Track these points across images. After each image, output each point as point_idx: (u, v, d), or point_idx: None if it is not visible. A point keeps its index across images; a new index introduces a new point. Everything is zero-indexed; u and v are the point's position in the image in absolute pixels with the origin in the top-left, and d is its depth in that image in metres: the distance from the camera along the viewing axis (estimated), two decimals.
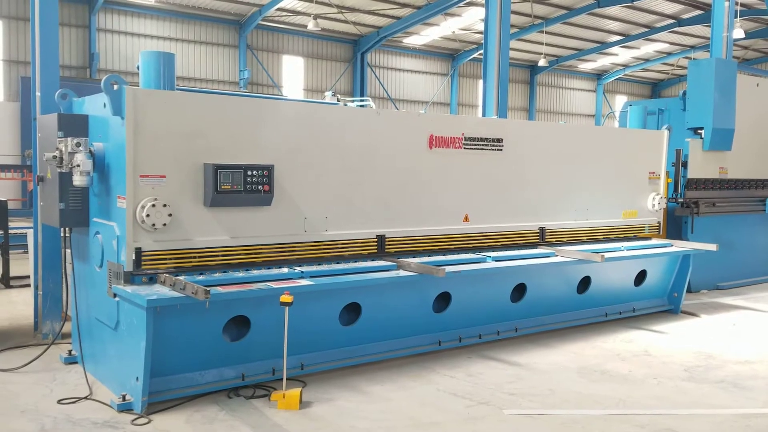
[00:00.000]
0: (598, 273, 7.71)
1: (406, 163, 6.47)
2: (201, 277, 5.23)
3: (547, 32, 28.10)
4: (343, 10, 24.86)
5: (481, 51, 10.30)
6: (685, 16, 27.86)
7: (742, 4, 23.45)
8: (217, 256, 5.44)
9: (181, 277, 5.02)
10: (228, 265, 5.50)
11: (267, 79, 26.17)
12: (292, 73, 26.99)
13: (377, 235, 6.31)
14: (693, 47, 31.73)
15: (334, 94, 9.93)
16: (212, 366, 5.29)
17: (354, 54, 28.26)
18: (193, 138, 5.21)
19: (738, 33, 23.67)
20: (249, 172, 5.36)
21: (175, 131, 5.12)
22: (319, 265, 5.93)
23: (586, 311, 7.76)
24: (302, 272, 5.57)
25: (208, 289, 4.59)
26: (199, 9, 23.82)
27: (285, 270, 5.60)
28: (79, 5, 22.00)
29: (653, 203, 8.56)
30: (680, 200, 9.87)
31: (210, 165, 5.22)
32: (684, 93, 10.45)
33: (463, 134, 6.80)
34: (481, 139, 6.94)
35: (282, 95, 24.41)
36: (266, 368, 5.47)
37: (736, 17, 22.13)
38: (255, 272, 5.47)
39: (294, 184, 5.74)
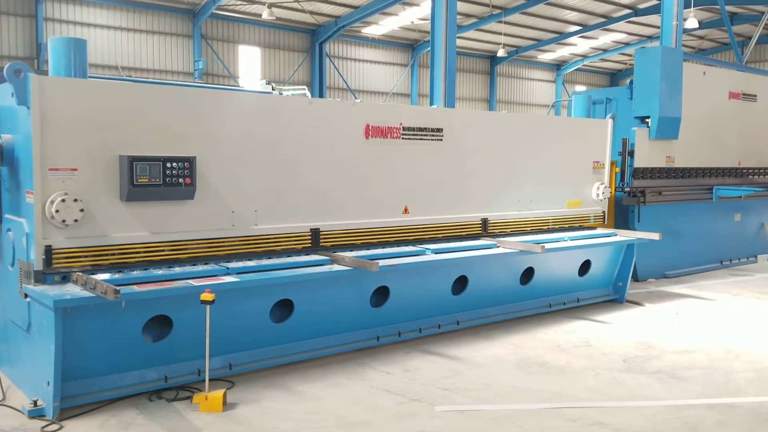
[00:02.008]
0: (542, 264, 7.63)
1: (342, 154, 6.28)
2: (118, 276, 4.99)
3: (505, 22, 28.13)
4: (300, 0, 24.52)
5: None
6: (641, 6, 28.15)
7: None
8: (138, 253, 5.20)
9: (98, 276, 4.78)
10: (150, 263, 5.27)
11: (223, 69, 25.71)
12: (249, 63, 26.56)
13: (311, 229, 6.12)
14: (650, 37, 32.06)
15: (268, 83, 9.72)
16: (133, 368, 5.05)
17: (312, 44, 27.95)
18: (107, 129, 4.95)
19: (692, 23, 23.96)
20: (168, 165, 5.12)
21: (88, 122, 4.85)
22: (249, 260, 5.72)
23: (530, 302, 7.68)
24: (228, 269, 5.35)
25: (117, 288, 4.35)
26: None
27: (209, 267, 5.38)
28: None
29: (597, 193, 8.51)
30: (627, 189, 9.84)
31: (125, 157, 4.97)
32: (631, 82, 10.43)
33: (401, 124, 6.63)
34: (420, 129, 6.78)
35: (238, 86, 24.00)
36: (191, 369, 5.25)
37: (690, 7, 22.38)
38: (177, 269, 5.23)
39: (220, 176, 5.51)
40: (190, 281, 5.00)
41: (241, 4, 24.75)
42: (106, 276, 4.87)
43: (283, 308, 5.80)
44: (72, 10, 22.34)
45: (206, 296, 4.75)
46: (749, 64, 25.67)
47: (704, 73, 11.27)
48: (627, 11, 28.67)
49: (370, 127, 6.42)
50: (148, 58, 24.08)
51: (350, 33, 28.53)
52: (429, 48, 9.73)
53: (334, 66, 28.87)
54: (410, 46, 30.80)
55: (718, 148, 11.38)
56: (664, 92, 9.98)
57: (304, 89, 10.37)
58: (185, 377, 5.22)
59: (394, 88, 30.72)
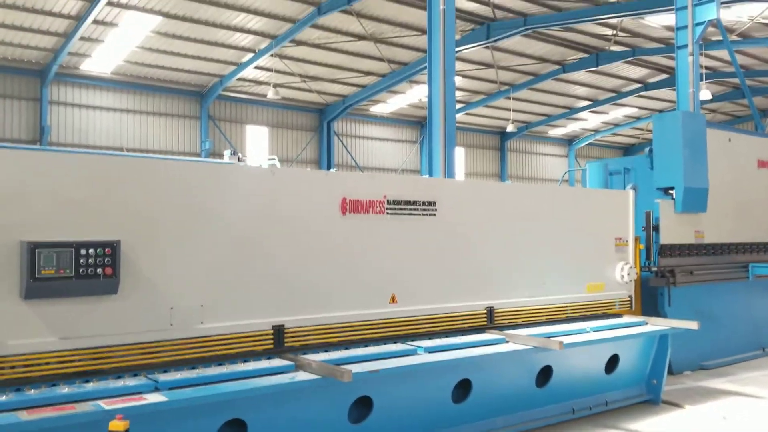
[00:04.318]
0: (561, 361, 6.31)
1: (313, 233, 5.15)
2: (11, 396, 3.79)
3: (514, 98, 27.52)
4: (307, 80, 24.09)
5: None
6: (651, 80, 27.47)
7: (707, 67, 23.03)
8: (45, 364, 4.02)
9: None
10: (63, 377, 4.08)
11: (229, 149, 25.07)
12: (257, 142, 25.97)
13: (274, 326, 4.92)
14: (661, 111, 31.27)
15: (234, 153, 8.76)
16: None
17: (320, 123, 27.41)
18: (3, 207, 3.87)
19: (705, 94, 23.11)
20: (82, 251, 4.00)
21: None
22: (192, 369, 4.51)
23: (549, 408, 6.31)
24: (157, 382, 4.13)
25: None
26: (158, 80, 22.90)
27: (135, 380, 4.17)
28: (31, 78, 20.96)
29: (622, 274, 7.27)
30: (654, 269, 8.57)
31: (25, 243, 3.86)
32: (650, 150, 9.33)
33: (385, 197, 5.52)
34: (409, 203, 5.66)
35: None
36: None
37: (701, 80, 21.65)
38: (91, 386, 4.03)
39: (154, 263, 4.37)
40: (100, 402, 3.79)
41: (248, 86, 24.35)
42: None
43: (236, 428, 4.53)
44: (78, 93, 21.96)
45: (116, 425, 3.52)
46: None
47: (729, 140, 10.14)
48: (637, 86, 27.98)
49: (348, 201, 5.31)
50: (154, 140, 23.53)
51: (358, 111, 28.02)
52: None
53: (342, 144, 28.24)
54: (418, 123, 30.19)
55: (750, 220, 10.14)
56: (688, 161, 8.85)
57: (274, 159, 9.39)
58: None
59: (403, 164, 29.95)
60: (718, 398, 7.50)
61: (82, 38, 18.61)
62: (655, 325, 7.06)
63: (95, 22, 17.66)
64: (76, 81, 21.74)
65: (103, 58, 20.48)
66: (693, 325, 6.87)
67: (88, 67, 21.14)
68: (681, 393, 7.68)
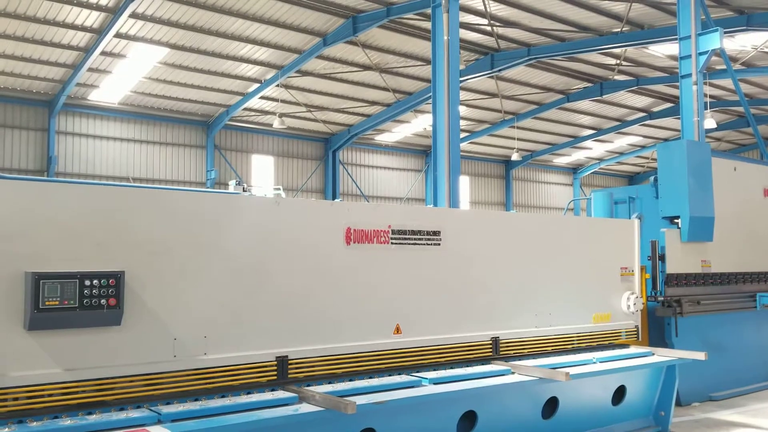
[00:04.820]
0: (567, 392, 6.25)
1: (317, 264, 5.15)
2: (13, 429, 3.78)
3: (519, 127, 27.68)
4: (312, 109, 24.31)
5: None
6: (655, 109, 27.61)
7: (711, 96, 23.13)
8: (48, 396, 4.00)
9: None
10: (65, 408, 4.06)
11: (235, 178, 25.21)
12: (262, 172, 26.12)
13: (278, 357, 4.90)
14: (666, 139, 31.38)
15: (239, 183, 8.78)
16: None
17: (325, 152, 27.59)
18: (8, 238, 3.90)
19: (710, 123, 23.23)
20: (87, 282, 4.01)
21: None
22: (196, 401, 4.48)
23: None
24: (160, 414, 4.11)
25: None
26: (164, 111, 23.15)
27: (139, 412, 4.15)
28: (39, 108, 21.23)
29: (628, 304, 7.23)
30: (660, 298, 8.52)
31: (30, 274, 3.88)
32: (655, 179, 9.34)
33: (389, 227, 5.53)
34: (413, 232, 5.67)
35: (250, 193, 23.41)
36: None
37: (706, 108, 21.76)
38: (94, 418, 4.01)
39: (157, 294, 4.38)
40: None
41: (254, 115, 24.59)
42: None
43: None
44: (85, 123, 22.21)
45: None
46: None
47: (735, 169, 10.15)
48: (641, 114, 28.13)
49: (352, 231, 5.32)
50: (160, 169, 23.72)
51: (363, 140, 28.20)
52: None
53: (348, 173, 28.38)
54: (423, 152, 30.35)
55: (756, 249, 10.09)
56: (694, 189, 8.85)
57: (279, 189, 9.43)
58: None
59: (408, 193, 30.04)
60: (727, 430, 7.40)
61: (90, 69, 18.87)
62: (663, 355, 6.99)
63: (103, 53, 17.93)
64: (84, 111, 22.01)
65: (110, 89, 20.76)
66: (701, 355, 6.80)
67: (95, 97, 21.42)
68: (689, 425, 7.58)
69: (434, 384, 5.35)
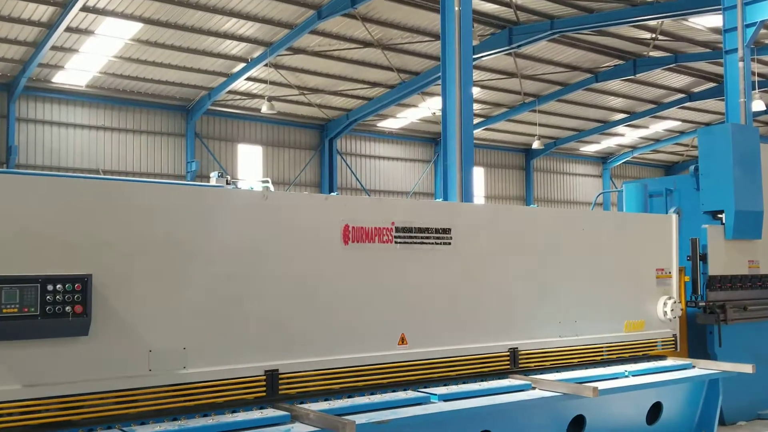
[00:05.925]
0: (595, 410, 6.29)
1: (311, 266, 5.18)
2: None
3: (540, 111, 27.72)
4: (306, 92, 24.37)
5: None
6: (696, 90, 27.62)
7: (759, 74, 23.12)
8: (7, 416, 4.02)
9: None
10: (27, 429, 4.09)
11: (218, 170, 25.30)
12: (249, 163, 26.22)
13: (267, 371, 4.92)
14: (708, 124, 31.38)
15: (222, 175, 8.84)
16: None
17: (321, 140, 27.69)
18: None
19: (758, 105, 23.18)
20: (49, 287, 4.04)
21: None
22: (174, 420, 4.51)
23: None
24: None
25: None
26: (138, 94, 23.24)
27: None
28: None
29: (665, 310, 7.27)
30: (701, 304, 8.57)
31: None
32: (696, 169, 9.38)
33: (393, 224, 5.55)
34: (420, 230, 5.69)
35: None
36: None
37: (753, 88, 21.77)
38: None
39: (130, 301, 4.40)
40: None
41: (240, 99, 24.67)
42: None
43: None
44: (49, 109, 22.30)
45: None
46: None
47: None
48: (680, 95, 28.15)
49: (351, 229, 5.34)
50: (134, 160, 23.83)
51: (364, 127, 28.28)
52: None
53: (347, 164, 28.46)
54: (432, 140, 30.42)
55: None
56: (740, 180, 8.88)
57: (267, 182, 9.49)
58: None
59: (415, 186, 30.12)
60: None
61: (53, 48, 18.94)
62: (704, 368, 7.04)
63: (68, 29, 18.00)
64: (47, 95, 22.11)
65: (77, 70, 20.86)
66: (747, 368, 6.84)
67: (60, 79, 21.51)
68: None
69: (444, 401, 5.39)
